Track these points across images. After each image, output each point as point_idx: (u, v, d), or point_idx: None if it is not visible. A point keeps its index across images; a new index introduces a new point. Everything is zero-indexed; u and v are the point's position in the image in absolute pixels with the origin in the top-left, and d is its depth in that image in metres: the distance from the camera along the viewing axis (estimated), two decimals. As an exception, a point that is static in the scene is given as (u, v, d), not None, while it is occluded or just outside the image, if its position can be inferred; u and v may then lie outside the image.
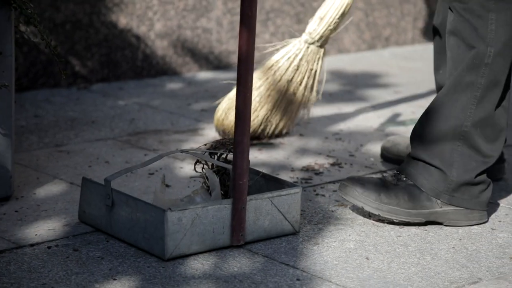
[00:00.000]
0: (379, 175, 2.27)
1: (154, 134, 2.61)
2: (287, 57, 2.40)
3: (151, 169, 2.30)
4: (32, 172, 2.26)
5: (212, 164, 1.93)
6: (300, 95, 2.44)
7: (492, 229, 1.96)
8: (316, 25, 2.33)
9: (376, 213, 1.90)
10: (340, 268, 1.75)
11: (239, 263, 1.76)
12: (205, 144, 2.18)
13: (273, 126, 2.47)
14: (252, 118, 2.35)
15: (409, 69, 3.52)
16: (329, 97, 3.07)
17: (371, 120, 2.80)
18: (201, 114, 2.82)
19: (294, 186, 1.89)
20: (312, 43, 2.35)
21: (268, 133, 2.48)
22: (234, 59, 3.47)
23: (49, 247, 1.82)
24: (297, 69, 2.40)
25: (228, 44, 3.44)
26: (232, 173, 1.79)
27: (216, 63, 3.43)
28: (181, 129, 2.67)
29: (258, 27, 3.51)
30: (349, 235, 1.90)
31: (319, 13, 2.34)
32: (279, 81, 2.40)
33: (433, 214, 1.92)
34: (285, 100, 2.44)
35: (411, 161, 1.95)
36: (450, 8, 1.92)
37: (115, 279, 1.68)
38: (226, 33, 3.44)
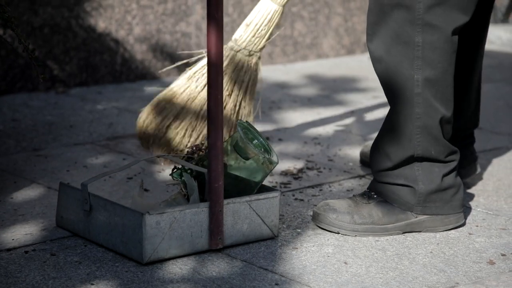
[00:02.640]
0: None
1: (133, 138, 2.60)
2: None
3: (130, 174, 2.29)
4: (9, 176, 2.25)
5: (191, 169, 1.93)
6: (230, 106, 2.27)
7: (470, 234, 1.97)
8: (242, 32, 2.24)
9: (353, 235, 1.91)
10: (318, 273, 1.75)
11: (217, 267, 1.76)
12: (181, 151, 2.18)
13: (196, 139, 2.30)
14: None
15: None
16: (307, 102, 3.08)
17: (349, 125, 2.81)
18: (180, 118, 2.81)
19: (273, 190, 1.89)
20: (239, 51, 2.23)
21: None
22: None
23: (26, 252, 1.80)
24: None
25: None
26: (208, 176, 1.78)
27: (195, 68, 3.42)
28: (159, 134, 2.66)
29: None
30: (328, 239, 1.91)
31: (246, 20, 2.24)
32: (201, 91, 2.26)
33: (409, 225, 1.93)
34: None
35: (377, 183, 1.97)
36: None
37: (92, 284, 1.67)
38: (206, 38, 3.43)
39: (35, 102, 2.96)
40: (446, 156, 1.93)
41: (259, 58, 2.27)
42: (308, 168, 2.36)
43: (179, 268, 1.75)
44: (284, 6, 2.24)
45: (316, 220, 1.95)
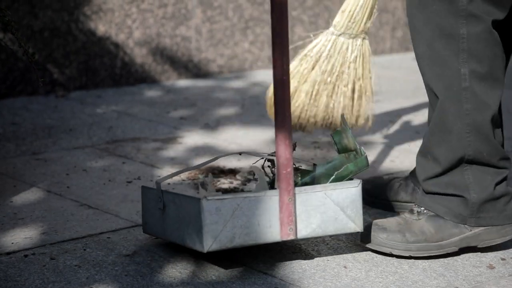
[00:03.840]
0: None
1: (132, 142, 2.60)
2: (318, 47, 2.40)
3: (129, 177, 2.29)
4: (9, 180, 2.25)
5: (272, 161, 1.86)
6: (341, 87, 2.42)
7: (469, 238, 1.97)
8: (339, 18, 2.36)
9: (407, 255, 1.81)
10: (318, 277, 1.75)
11: (217, 271, 1.76)
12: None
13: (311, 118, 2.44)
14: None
15: (388, 78, 3.54)
16: (307, 106, 3.08)
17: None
18: (179, 122, 2.82)
19: (353, 181, 1.74)
20: (340, 35, 2.36)
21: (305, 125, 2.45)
22: (213, 67, 3.47)
23: (25, 256, 1.80)
24: (328, 60, 2.39)
25: (207, 52, 3.44)
26: (277, 162, 1.66)
27: (195, 71, 3.43)
28: (159, 137, 2.66)
29: (237, 36, 3.52)
30: (327, 243, 1.91)
31: (342, 7, 2.37)
32: (312, 70, 2.41)
33: (464, 240, 1.83)
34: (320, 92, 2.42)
35: (425, 195, 1.87)
36: None
37: (92, 288, 1.67)
38: (205, 41, 3.44)
39: (35, 105, 2.96)
40: (499, 160, 1.82)
41: (364, 38, 2.37)
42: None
43: (178, 272, 1.75)
44: None
45: (365, 241, 1.83)
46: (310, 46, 2.43)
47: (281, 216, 1.69)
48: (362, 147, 1.80)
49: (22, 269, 1.74)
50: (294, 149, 1.80)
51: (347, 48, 2.39)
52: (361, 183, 1.73)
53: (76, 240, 1.88)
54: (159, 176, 2.31)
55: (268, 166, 1.89)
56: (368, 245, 1.83)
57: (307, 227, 1.71)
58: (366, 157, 1.76)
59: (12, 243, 1.86)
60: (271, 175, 1.88)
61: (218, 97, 3.16)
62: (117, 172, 2.33)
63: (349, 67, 2.40)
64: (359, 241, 1.87)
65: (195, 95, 3.14)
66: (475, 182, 1.82)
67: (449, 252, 1.83)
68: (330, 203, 1.72)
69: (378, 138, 2.72)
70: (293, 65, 2.44)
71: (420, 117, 2.98)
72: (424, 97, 3.38)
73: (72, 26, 3.12)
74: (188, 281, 1.72)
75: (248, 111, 2.99)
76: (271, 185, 1.85)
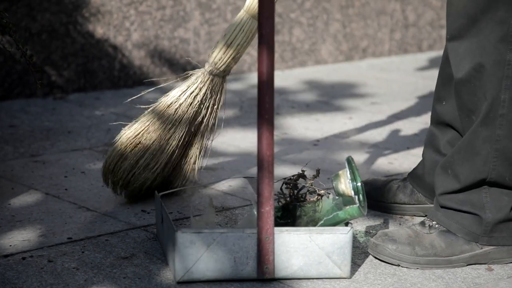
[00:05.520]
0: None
1: (131, 144, 2.60)
2: (189, 92, 2.07)
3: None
4: (7, 182, 2.24)
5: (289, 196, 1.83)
6: (199, 136, 2.13)
7: (468, 240, 1.96)
8: (223, 54, 2.03)
9: (415, 268, 1.80)
10: (316, 279, 1.74)
11: None
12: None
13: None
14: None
15: (386, 80, 3.54)
16: (306, 108, 3.08)
17: (348, 131, 2.81)
18: (178, 124, 2.81)
19: (343, 227, 1.70)
20: (217, 74, 2.05)
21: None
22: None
23: (23, 258, 1.80)
24: (199, 106, 2.08)
25: (206, 55, 3.44)
26: (257, 200, 1.64)
27: (193, 74, 3.42)
28: (158, 140, 2.66)
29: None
30: (326, 245, 1.90)
31: (224, 40, 2.02)
32: (181, 120, 2.08)
33: (473, 257, 1.81)
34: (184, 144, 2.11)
35: (440, 209, 1.86)
36: None
37: (90, 290, 1.67)
38: (204, 44, 3.43)
39: (33, 108, 2.95)
40: None
41: (224, 80, 2.09)
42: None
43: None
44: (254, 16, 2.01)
45: (374, 251, 1.82)
46: (177, 91, 2.09)
47: (258, 254, 1.67)
48: (361, 195, 1.74)
49: (20, 272, 1.74)
50: (318, 175, 1.81)
51: (217, 91, 2.08)
52: (351, 230, 1.69)
53: (74, 242, 1.88)
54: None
55: (287, 187, 1.85)
56: (377, 256, 1.82)
57: (287, 268, 1.69)
58: (358, 207, 1.70)
59: (10, 245, 1.86)
60: (288, 197, 1.85)
61: (216, 99, 3.16)
62: (115, 174, 2.32)
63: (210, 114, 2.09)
64: (368, 250, 1.85)
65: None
66: (492, 202, 1.81)
67: (457, 267, 1.81)
68: (314, 247, 1.68)
69: (376, 139, 2.72)
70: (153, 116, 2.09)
71: (419, 119, 2.98)
72: (422, 99, 3.39)
73: (70, 28, 3.12)
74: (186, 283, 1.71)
75: (247, 113, 2.99)
76: (285, 208, 1.82)
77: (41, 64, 3.07)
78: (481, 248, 1.82)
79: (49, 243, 1.87)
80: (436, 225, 1.84)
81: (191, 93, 2.07)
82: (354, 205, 1.70)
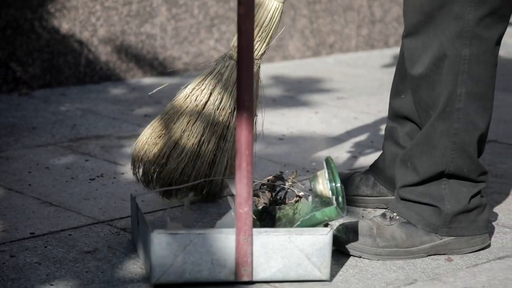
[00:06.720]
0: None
1: (96, 139, 2.59)
2: (210, 77, 2.02)
3: (92, 175, 2.28)
4: (-30, 178, 2.23)
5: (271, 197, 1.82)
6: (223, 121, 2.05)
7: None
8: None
9: (376, 259, 1.82)
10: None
11: None
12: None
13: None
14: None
15: (352, 76, 3.56)
16: (272, 103, 3.08)
17: (314, 125, 2.82)
18: (144, 119, 2.81)
19: (323, 228, 1.67)
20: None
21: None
22: (178, 65, 3.46)
23: (-15, 253, 1.79)
24: (223, 92, 2.03)
25: (173, 50, 3.44)
26: (235, 200, 1.62)
27: (160, 69, 3.42)
28: (123, 135, 2.65)
29: (203, 33, 3.52)
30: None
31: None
32: (202, 110, 2.02)
33: (433, 248, 1.84)
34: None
35: (400, 201, 1.87)
36: None
37: (52, 285, 1.66)
38: (170, 39, 3.43)
39: (-2, 104, 2.93)
40: (478, 176, 1.84)
41: (259, 67, 2.04)
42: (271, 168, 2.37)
43: (139, 268, 1.75)
44: (284, 2, 1.95)
45: (337, 244, 1.82)
46: (197, 79, 2.02)
47: (236, 256, 1.64)
48: (341, 196, 1.71)
49: (-18, 267, 1.73)
50: (296, 176, 1.79)
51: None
52: (331, 231, 1.66)
53: (37, 237, 1.87)
54: (123, 174, 2.30)
55: (264, 191, 1.85)
56: (339, 248, 1.83)
57: (266, 270, 1.65)
58: (336, 208, 1.67)
59: (-28, 241, 1.85)
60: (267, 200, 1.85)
61: (183, 95, 3.16)
62: (80, 170, 2.32)
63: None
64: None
65: (160, 92, 3.13)
66: (451, 194, 1.83)
67: (418, 258, 1.83)
68: (293, 248, 1.65)
69: (341, 134, 2.73)
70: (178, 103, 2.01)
71: (383, 114, 3.00)
72: (387, 94, 3.40)
73: (35, 24, 3.11)
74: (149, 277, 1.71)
75: (213, 108, 2.99)
76: (263, 210, 1.82)
77: (6, 60, 3.05)
78: (441, 239, 1.84)
79: (11, 238, 1.86)
80: (397, 217, 1.85)
81: (212, 78, 1.96)
82: (331, 206, 1.68)
